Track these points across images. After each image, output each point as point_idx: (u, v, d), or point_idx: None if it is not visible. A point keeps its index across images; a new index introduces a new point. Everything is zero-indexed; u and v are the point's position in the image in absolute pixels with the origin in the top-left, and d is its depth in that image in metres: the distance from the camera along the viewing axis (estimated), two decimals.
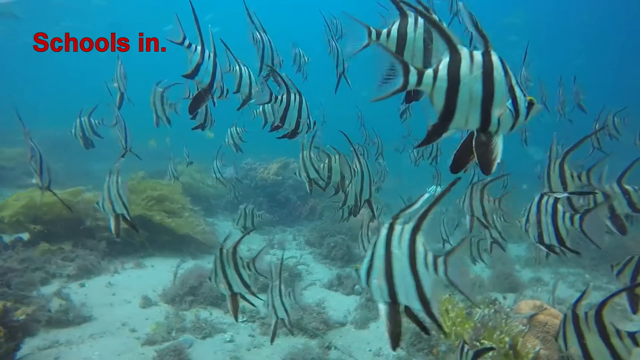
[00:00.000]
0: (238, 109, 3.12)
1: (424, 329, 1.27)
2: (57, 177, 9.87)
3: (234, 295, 2.49)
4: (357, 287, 5.20)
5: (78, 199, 5.34)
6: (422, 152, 5.39)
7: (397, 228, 1.20)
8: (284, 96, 2.66)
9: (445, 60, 1.19)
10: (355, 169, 2.78)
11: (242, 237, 2.48)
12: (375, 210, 3.01)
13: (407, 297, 1.18)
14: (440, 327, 1.21)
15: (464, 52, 1.18)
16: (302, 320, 4.14)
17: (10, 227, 4.99)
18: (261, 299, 2.77)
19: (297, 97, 2.67)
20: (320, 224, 7.72)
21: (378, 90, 1.23)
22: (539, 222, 2.19)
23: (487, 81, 1.17)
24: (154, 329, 3.75)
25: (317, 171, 3.31)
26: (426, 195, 1.22)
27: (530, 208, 2.23)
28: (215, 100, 2.37)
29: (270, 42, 2.96)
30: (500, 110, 1.19)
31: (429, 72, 1.20)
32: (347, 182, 2.97)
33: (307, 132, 2.84)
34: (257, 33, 2.92)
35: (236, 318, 2.46)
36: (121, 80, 3.73)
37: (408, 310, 1.23)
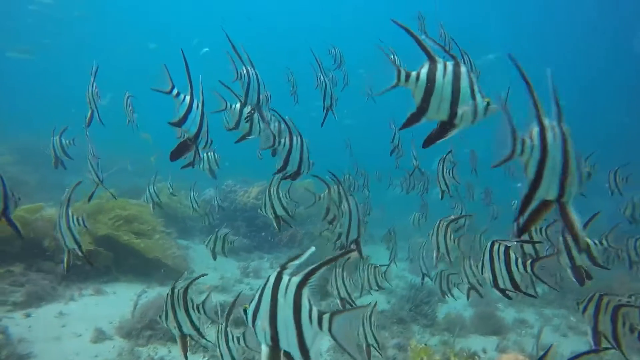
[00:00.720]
0: (236, 142, 3.17)
1: None
2: (27, 189, 9.32)
3: (183, 336, 2.47)
4: None
5: (36, 217, 4.95)
6: (413, 184, 5.41)
7: (285, 278, 1.26)
8: (287, 139, 2.78)
9: (426, 67, 1.56)
10: (344, 209, 2.77)
11: (194, 279, 2.45)
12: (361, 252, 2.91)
13: (288, 344, 1.25)
14: None
15: (440, 62, 1.55)
16: None
17: None
18: (210, 342, 2.67)
19: (299, 139, 2.79)
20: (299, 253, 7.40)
21: (379, 87, 1.62)
22: (492, 268, 2.34)
23: (455, 85, 1.52)
24: None
25: (284, 209, 3.27)
26: (312, 249, 1.30)
27: (484, 255, 2.38)
28: (200, 151, 2.36)
29: (257, 77, 2.89)
30: (464, 107, 1.52)
31: (414, 74, 1.57)
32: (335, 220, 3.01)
33: (307, 172, 2.91)
34: (243, 67, 2.85)
35: (186, 358, 2.45)
36: (94, 98, 3.59)
37: (287, 355, 1.28)
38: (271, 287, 1.27)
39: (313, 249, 1.31)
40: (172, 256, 6.31)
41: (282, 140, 2.80)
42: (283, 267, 1.29)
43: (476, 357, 3.08)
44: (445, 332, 5.32)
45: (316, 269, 1.24)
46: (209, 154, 4.59)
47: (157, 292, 4.92)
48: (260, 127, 3.04)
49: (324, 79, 3.49)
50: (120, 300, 4.79)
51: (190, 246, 8.02)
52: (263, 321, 1.29)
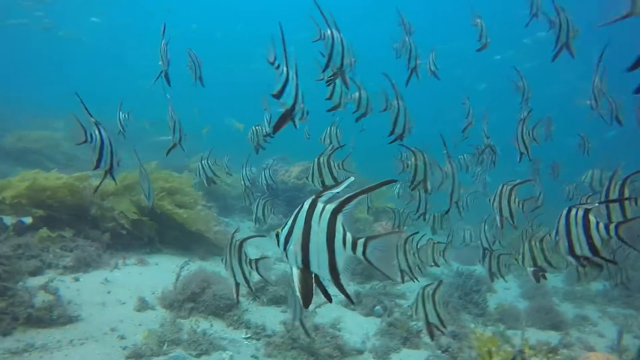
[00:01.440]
0: (328, 110, 3.48)
1: (327, 296, 1.36)
2: (78, 163, 9.63)
3: (236, 283, 2.63)
4: (377, 308, 4.62)
5: (84, 184, 4.99)
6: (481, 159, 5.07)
7: (319, 205, 1.29)
8: (396, 101, 3.10)
9: None
10: (447, 171, 3.04)
11: (250, 237, 2.58)
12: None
13: (319, 267, 1.30)
14: (347, 296, 1.31)
15: None
16: (314, 343, 3.60)
17: (12, 208, 4.66)
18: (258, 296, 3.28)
19: (403, 102, 3.09)
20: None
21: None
22: (568, 233, 2.17)
23: None
24: (145, 337, 3.29)
25: (335, 179, 3.22)
26: (350, 179, 1.30)
27: (558, 221, 2.21)
28: (296, 122, 2.42)
29: (342, 40, 2.82)
30: None
31: None
32: (431, 183, 3.12)
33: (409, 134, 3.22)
34: (328, 29, 2.78)
35: (237, 300, 2.69)
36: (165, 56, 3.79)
37: (317, 278, 1.33)
38: (305, 213, 1.30)
39: (352, 179, 1.31)
40: (214, 230, 6.25)
41: (394, 102, 3.10)
42: (318, 195, 1.30)
43: (558, 350, 2.71)
44: (499, 324, 4.94)
45: (352, 197, 1.25)
46: (256, 128, 4.43)
47: (198, 265, 4.84)
48: (341, 93, 3.20)
49: (409, 40, 3.63)
50: (162, 272, 4.76)
51: (230, 223, 7.99)
52: (295, 245, 1.32)
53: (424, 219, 3.91)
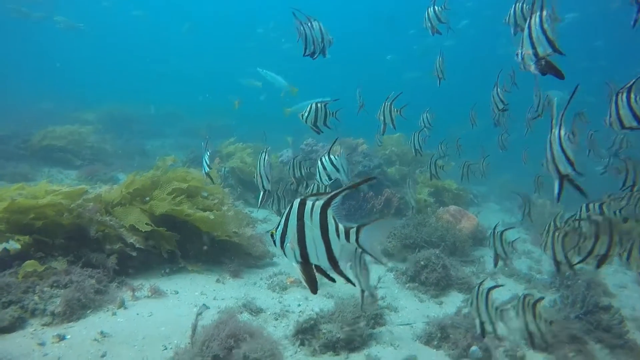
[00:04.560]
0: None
1: (330, 279, 1.49)
2: (104, 156, 8.73)
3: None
4: (473, 349, 3.28)
5: (78, 202, 3.94)
6: None
7: (309, 203, 1.42)
8: None
9: None
10: None
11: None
12: None
13: (318, 258, 1.43)
14: (347, 280, 1.46)
15: None
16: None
17: None
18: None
19: None
20: (401, 227, 5.82)
21: None
22: None
23: None
24: None
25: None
26: (346, 191, 1.40)
27: None
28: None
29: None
30: None
31: None
32: None
33: None
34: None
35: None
36: None
37: (318, 267, 1.45)
38: (296, 211, 1.42)
39: (347, 191, 1.39)
40: (247, 235, 5.12)
41: None
42: (305, 196, 1.42)
43: None
44: None
45: (337, 193, 1.37)
46: (318, 104, 3.51)
47: (224, 304, 3.73)
48: None
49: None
50: (182, 306, 3.68)
51: (268, 219, 6.85)
52: (292, 242, 1.43)
53: None
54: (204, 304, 3.50)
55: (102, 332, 3.05)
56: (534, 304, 2.66)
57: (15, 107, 14.86)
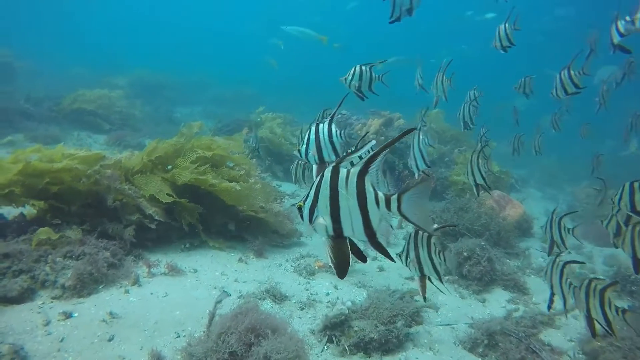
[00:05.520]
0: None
1: (362, 258, 1.33)
2: (133, 122, 8.55)
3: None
4: None
5: (95, 168, 3.65)
6: None
7: (342, 171, 1.27)
8: None
9: None
10: None
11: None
12: None
13: (354, 231, 1.28)
14: (387, 255, 1.30)
15: None
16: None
17: (6, 199, 3.51)
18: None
19: None
20: (440, 211, 5.30)
21: None
22: None
23: None
24: None
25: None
26: (372, 142, 1.29)
27: None
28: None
29: None
30: None
31: None
32: None
33: None
34: None
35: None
36: None
37: (351, 242, 1.32)
38: (329, 180, 1.27)
39: (374, 142, 1.30)
40: (274, 211, 4.77)
41: None
42: (338, 162, 1.28)
43: None
44: None
45: (375, 156, 1.22)
46: (363, 67, 3.01)
47: (246, 289, 3.39)
48: None
49: None
50: (199, 287, 3.38)
51: (297, 193, 6.48)
52: (324, 214, 1.29)
53: None
54: (224, 291, 3.17)
55: (111, 313, 2.78)
56: (603, 290, 2.36)
57: (50, 71, 14.95)
